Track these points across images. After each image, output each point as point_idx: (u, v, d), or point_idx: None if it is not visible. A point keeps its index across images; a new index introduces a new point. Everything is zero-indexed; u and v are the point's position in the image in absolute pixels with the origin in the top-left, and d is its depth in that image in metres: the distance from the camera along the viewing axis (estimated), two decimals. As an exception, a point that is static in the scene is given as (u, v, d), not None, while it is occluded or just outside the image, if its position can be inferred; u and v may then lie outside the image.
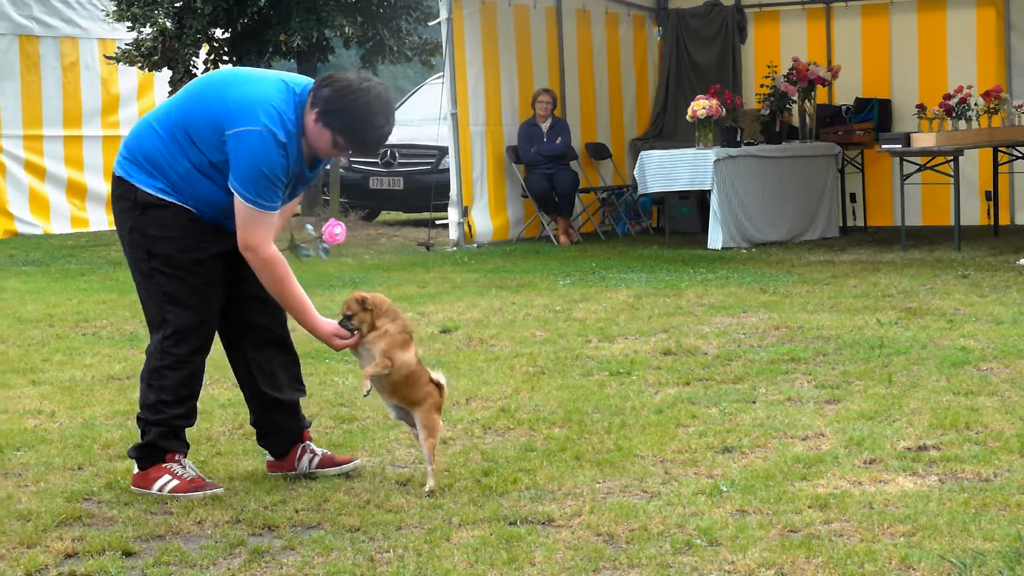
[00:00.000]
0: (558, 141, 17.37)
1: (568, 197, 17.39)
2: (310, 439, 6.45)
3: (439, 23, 16.77)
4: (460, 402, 7.73)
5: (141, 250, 6.05)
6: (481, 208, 16.96)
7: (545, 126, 17.40)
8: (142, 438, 6.13)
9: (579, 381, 8.23)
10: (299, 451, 6.38)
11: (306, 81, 6.02)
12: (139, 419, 6.16)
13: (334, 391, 8.08)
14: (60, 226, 19.55)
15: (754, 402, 7.55)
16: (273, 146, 5.81)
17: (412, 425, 6.10)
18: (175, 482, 6.02)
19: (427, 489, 5.87)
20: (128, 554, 5.22)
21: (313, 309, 6.06)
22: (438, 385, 6.09)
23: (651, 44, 19.82)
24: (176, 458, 6.12)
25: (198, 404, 6.25)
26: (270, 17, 18.81)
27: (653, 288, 12.23)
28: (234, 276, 6.15)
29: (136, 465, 6.13)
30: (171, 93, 18.94)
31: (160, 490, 6.01)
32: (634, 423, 7.07)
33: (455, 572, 4.88)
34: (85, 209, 19.98)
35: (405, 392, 6.02)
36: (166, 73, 19.11)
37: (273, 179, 5.84)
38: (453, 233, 16.57)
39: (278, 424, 6.38)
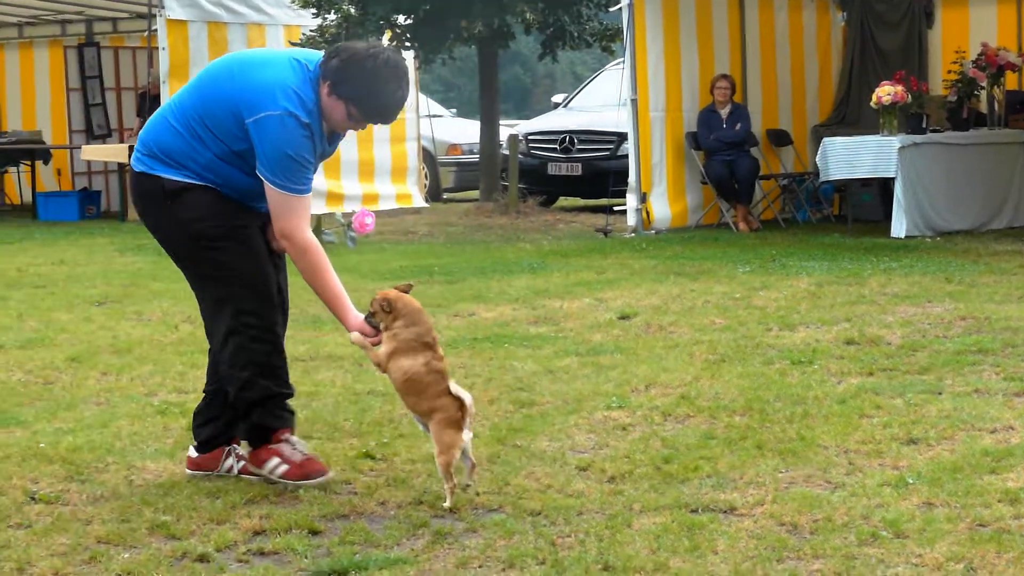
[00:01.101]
0: (737, 127, 17.23)
1: (748, 184, 17.23)
2: (239, 443, 6.19)
3: (620, 9, 16.73)
4: (639, 388, 7.71)
5: (180, 237, 5.94)
6: (660, 194, 16.89)
7: (724, 112, 17.26)
8: (245, 420, 6.04)
9: (760, 369, 8.16)
10: (225, 453, 6.17)
11: (316, 56, 5.89)
12: (238, 401, 6.02)
13: (514, 375, 8.11)
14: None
15: (940, 393, 7.41)
16: (296, 128, 5.70)
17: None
18: (284, 465, 5.93)
19: (445, 507, 5.54)
20: (314, 532, 5.30)
21: (346, 300, 5.89)
22: (460, 401, 5.66)
23: (835, 29, 19.54)
24: (284, 436, 6.02)
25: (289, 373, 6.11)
26: (452, 3, 18.93)
27: (835, 276, 12.07)
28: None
29: (248, 444, 6.07)
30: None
31: (271, 473, 5.93)
32: (816, 413, 6.99)
33: (637, 558, 4.87)
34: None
35: (409, 401, 5.76)
36: (349, 59, 19.31)
37: (301, 161, 5.73)
38: (631, 219, 16.54)
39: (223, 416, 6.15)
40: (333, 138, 6.03)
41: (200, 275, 6.02)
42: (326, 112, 5.81)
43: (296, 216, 5.77)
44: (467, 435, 5.65)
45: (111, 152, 20.17)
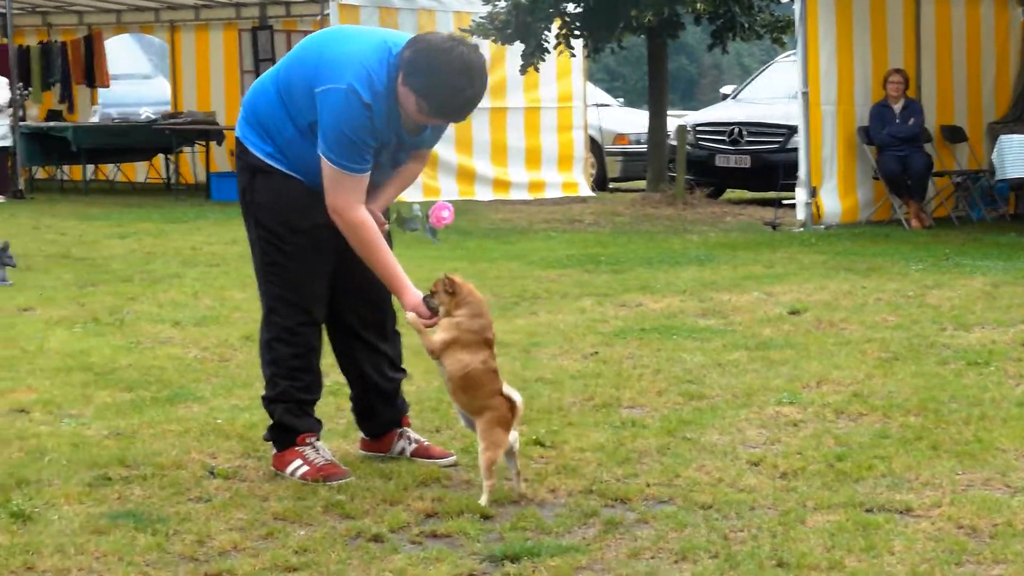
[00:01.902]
0: (910, 122, 16.96)
1: (921, 180, 16.96)
2: (408, 425, 6.24)
3: (792, 2, 16.56)
4: (811, 385, 7.63)
5: (250, 216, 5.93)
6: (830, 189, 16.69)
7: (897, 107, 17.00)
8: (271, 419, 6.00)
9: (934, 369, 8.03)
10: (396, 436, 6.21)
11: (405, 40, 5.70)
12: (263, 399, 6.04)
13: (682, 367, 8.08)
14: (412, 195, 19.99)
15: (1122, 400, 7.23)
16: (357, 106, 5.52)
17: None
18: (305, 467, 5.83)
19: (481, 503, 5.44)
20: (485, 517, 5.32)
21: (402, 277, 5.72)
22: (511, 401, 5.56)
23: (1014, 25, 19.13)
24: (308, 440, 5.93)
25: (321, 378, 6.05)
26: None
27: (1012, 277, 11.82)
28: (344, 245, 5.79)
29: (272, 446, 6.00)
30: (522, 67, 19.25)
31: (292, 474, 5.84)
32: (994, 415, 6.85)
33: (811, 556, 4.82)
34: (437, 178, 20.42)
35: (462, 398, 5.61)
36: (518, 47, 19.38)
37: (357, 141, 5.57)
38: (800, 213, 16.36)
39: (375, 408, 6.19)
40: (434, 129, 5.87)
41: (254, 257, 6.01)
42: (401, 101, 5.62)
43: (346, 193, 5.63)
44: (514, 436, 5.54)
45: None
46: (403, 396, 6.33)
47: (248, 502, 5.47)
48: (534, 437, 6.44)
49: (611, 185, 24.32)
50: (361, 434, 6.31)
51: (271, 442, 6.00)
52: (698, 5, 18.78)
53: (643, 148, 22.51)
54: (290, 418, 5.93)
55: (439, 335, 5.63)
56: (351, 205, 5.64)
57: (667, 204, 19.13)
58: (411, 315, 5.66)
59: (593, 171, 23.27)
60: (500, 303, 10.49)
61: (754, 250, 14.09)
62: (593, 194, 21.93)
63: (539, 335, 9.10)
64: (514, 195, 21.04)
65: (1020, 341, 8.81)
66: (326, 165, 5.62)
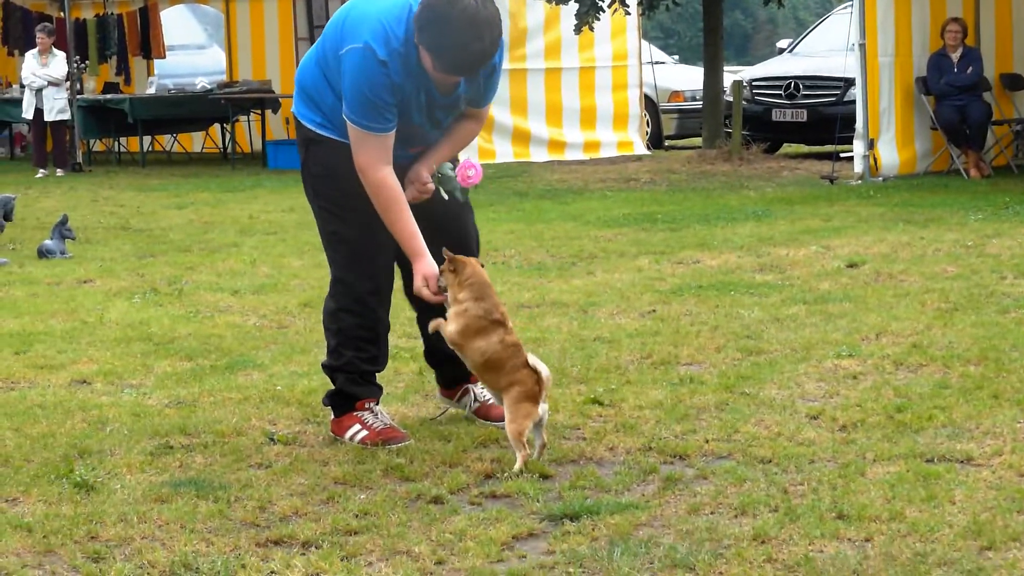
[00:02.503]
0: (969, 71, 16.79)
1: (980, 129, 16.79)
2: (475, 382, 6.13)
3: (848, -49, 16.41)
4: (870, 337, 7.59)
5: (309, 188, 5.93)
6: (888, 141, 16.55)
7: (955, 56, 16.83)
8: (333, 385, 6.00)
9: (994, 318, 7.96)
10: (462, 391, 6.22)
11: None
12: (323, 366, 6.05)
13: (740, 323, 8.05)
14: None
15: None
16: (373, 64, 5.47)
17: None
18: (364, 432, 5.84)
19: (515, 470, 5.37)
20: (545, 477, 5.34)
21: (420, 244, 5.64)
22: (537, 373, 5.49)
23: (1073, -31, 18.88)
24: (367, 405, 5.93)
25: (386, 349, 6.04)
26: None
27: (1072, 224, 11.71)
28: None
29: (331, 411, 6.00)
30: (576, 27, 19.16)
31: (351, 439, 5.84)
32: (1055, 363, 6.80)
33: (872, 507, 4.81)
34: (492, 141, 20.39)
35: (488, 378, 5.61)
36: (573, 6, 19.30)
37: (376, 100, 5.51)
38: (858, 166, 16.24)
39: (443, 364, 6.18)
40: (469, 84, 5.71)
41: (318, 227, 6.00)
42: (421, 57, 5.53)
43: (369, 153, 5.59)
44: (543, 408, 5.48)
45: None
46: None
47: (308, 467, 5.51)
48: (592, 396, 6.44)
49: (667, 143, 24.22)
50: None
51: (330, 407, 6.02)
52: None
53: (698, 105, 22.39)
54: (352, 386, 5.94)
55: (451, 326, 5.62)
56: (373, 164, 5.60)
57: (723, 160, 19.04)
58: (419, 283, 5.65)
59: (648, 129, 23.18)
60: (557, 263, 10.49)
61: (811, 204, 14.01)
62: (649, 152, 21.85)
63: (596, 294, 9.09)
64: (569, 155, 20.99)
65: (1082, 288, 8.73)
66: (349, 126, 5.60)
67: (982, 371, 6.72)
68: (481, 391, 6.18)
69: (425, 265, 5.65)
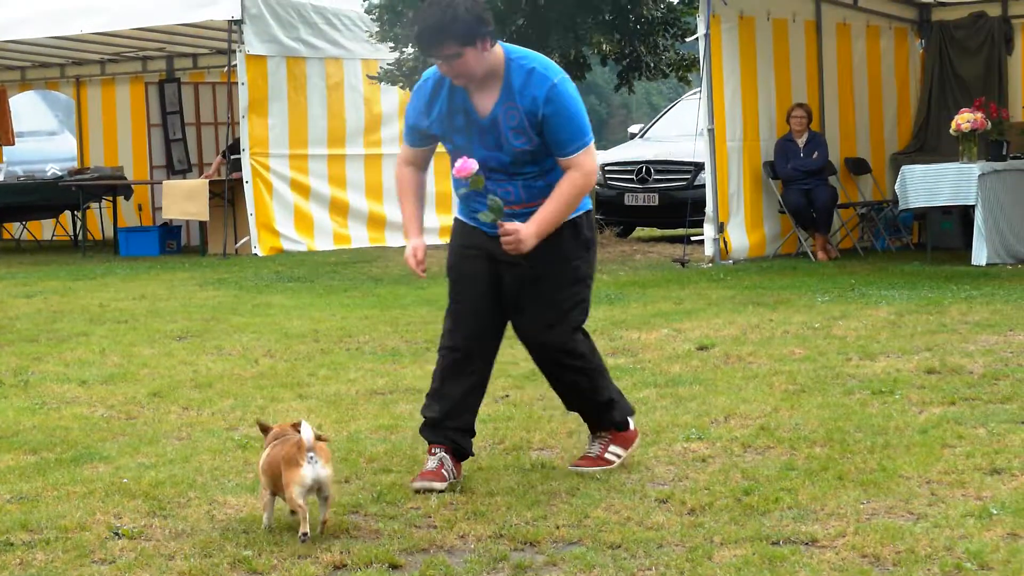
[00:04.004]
0: (814, 156, 17.17)
1: (826, 212, 17.16)
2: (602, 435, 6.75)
3: (696, 39, 16.73)
4: (719, 419, 7.68)
5: None
6: (737, 224, 16.85)
7: (801, 141, 17.21)
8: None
9: (840, 400, 8.11)
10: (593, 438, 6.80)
11: None
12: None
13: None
14: (323, 243, 19.97)
15: (1023, 423, 7.33)
16: (417, 85, 6.36)
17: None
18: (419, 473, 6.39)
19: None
20: (394, 566, 5.31)
21: (413, 225, 6.46)
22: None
23: (913, 57, 19.45)
24: (432, 451, 6.42)
25: (448, 401, 6.46)
26: (529, 35, 18.96)
27: (915, 305, 11.98)
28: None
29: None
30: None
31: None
32: (898, 443, 6.94)
33: (718, 591, 4.85)
34: (347, 226, 20.42)
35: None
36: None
37: (407, 119, 6.44)
38: (709, 249, 16.49)
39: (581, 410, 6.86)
40: (507, 113, 6.22)
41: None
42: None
43: (401, 155, 6.62)
44: (306, 471, 5.59)
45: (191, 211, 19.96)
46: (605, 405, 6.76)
47: (154, 561, 5.42)
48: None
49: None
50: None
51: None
52: (604, 46, 18.90)
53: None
54: (421, 429, 6.57)
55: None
56: (399, 164, 6.60)
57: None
58: (408, 254, 6.38)
59: (504, 213, 23.28)
60: (412, 349, 10.49)
61: (663, 287, 14.18)
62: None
63: (449, 380, 9.08)
64: (425, 240, 20.98)
65: (923, 369, 8.92)
66: None
67: (827, 452, 6.82)
68: (598, 447, 6.72)
69: (412, 243, 6.39)
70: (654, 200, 20.74)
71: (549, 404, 8.23)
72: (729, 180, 16.79)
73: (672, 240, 19.73)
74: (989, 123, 15.65)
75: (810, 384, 8.58)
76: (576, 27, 18.95)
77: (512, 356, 9.97)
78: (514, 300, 6.47)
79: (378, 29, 19.27)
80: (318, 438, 5.68)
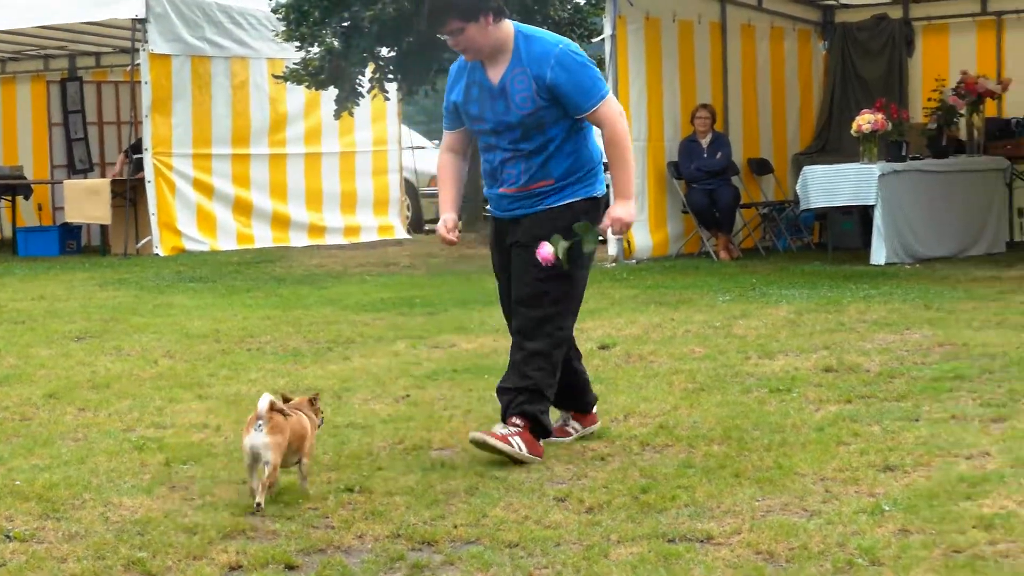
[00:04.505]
0: (718, 156, 17.30)
1: (729, 212, 17.28)
2: (580, 418, 7.28)
3: (603, 39, 16.79)
4: (618, 418, 7.72)
5: None
6: (641, 224, 16.92)
7: (705, 142, 17.33)
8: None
9: (738, 398, 8.17)
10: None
11: None
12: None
13: (494, 406, 8.10)
14: (226, 243, 19.83)
15: (917, 420, 7.43)
16: (450, 70, 6.99)
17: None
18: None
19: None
20: (291, 567, 5.28)
21: (446, 202, 7.07)
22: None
23: (816, 58, 19.65)
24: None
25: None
26: (435, 36, 18.92)
27: (814, 304, 12.10)
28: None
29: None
30: (336, 112, 19.20)
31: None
32: (794, 441, 7.00)
33: (612, 589, 4.87)
34: (251, 226, 20.30)
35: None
36: (333, 92, 19.35)
37: (445, 101, 6.97)
38: (612, 249, 16.55)
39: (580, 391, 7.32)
40: (516, 81, 6.75)
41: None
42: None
43: (443, 142, 7.18)
44: (248, 439, 6.06)
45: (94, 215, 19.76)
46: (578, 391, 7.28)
47: (45, 564, 5.34)
48: (343, 484, 6.40)
49: (427, 227, 24.36)
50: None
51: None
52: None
53: (459, 189, 22.57)
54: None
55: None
56: (442, 152, 7.17)
57: (482, 244, 19.17)
58: (439, 225, 7.03)
59: (408, 214, 23.29)
60: (313, 349, 10.44)
61: (568, 287, 14.15)
62: (409, 236, 21.95)
63: (351, 380, 9.07)
64: (330, 240, 20.97)
65: (821, 367, 9.01)
66: None
67: (725, 450, 6.87)
68: (576, 426, 7.30)
69: (443, 218, 7.02)
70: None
71: (449, 404, 8.24)
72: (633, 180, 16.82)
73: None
74: (889, 124, 15.85)
75: (709, 383, 8.65)
76: (481, 27, 18.92)
77: (415, 356, 9.98)
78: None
79: (284, 28, 19.18)
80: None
